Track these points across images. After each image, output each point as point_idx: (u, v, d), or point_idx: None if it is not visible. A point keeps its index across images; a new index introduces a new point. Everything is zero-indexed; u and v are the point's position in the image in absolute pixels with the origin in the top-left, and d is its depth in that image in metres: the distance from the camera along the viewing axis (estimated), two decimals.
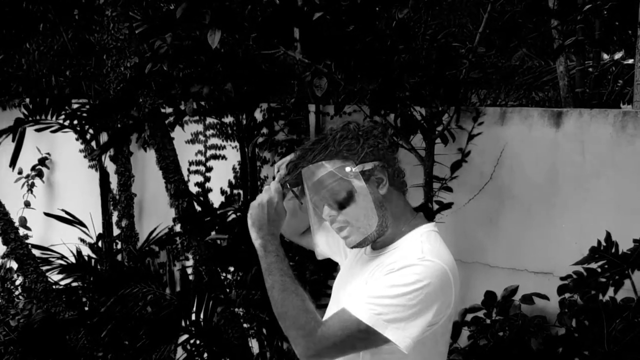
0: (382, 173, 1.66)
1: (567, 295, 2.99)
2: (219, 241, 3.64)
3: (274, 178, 1.78)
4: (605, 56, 4.30)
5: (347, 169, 1.63)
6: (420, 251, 1.59)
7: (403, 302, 1.52)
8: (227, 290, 3.87)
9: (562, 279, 3.00)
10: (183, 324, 3.89)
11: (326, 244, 1.96)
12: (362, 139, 1.65)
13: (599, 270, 2.86)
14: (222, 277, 3.89)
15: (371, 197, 1.64)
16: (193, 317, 3.87)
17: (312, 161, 1.64)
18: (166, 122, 3.66)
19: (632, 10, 3.84)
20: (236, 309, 3.79)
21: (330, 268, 2.01)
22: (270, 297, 1.63)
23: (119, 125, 4.50)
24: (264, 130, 3.48)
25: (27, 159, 5.93)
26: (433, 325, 1.57)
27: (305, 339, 1.55)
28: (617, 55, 4.36)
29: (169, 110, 3.91)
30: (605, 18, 3.74)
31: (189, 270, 4.32)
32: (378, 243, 1.72)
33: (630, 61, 4.26)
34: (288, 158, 1.76)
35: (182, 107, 3.85)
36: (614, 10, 3.56)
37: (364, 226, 1.66)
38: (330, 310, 1.72)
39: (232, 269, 3.97)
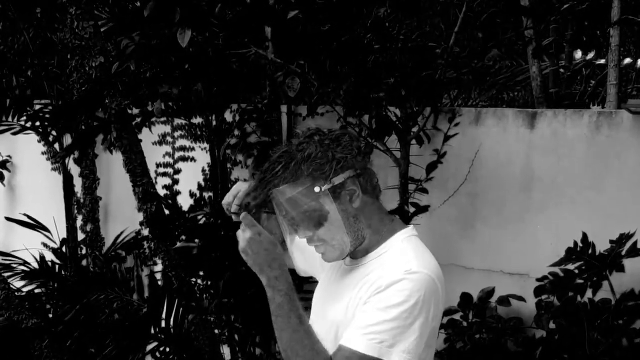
0: (353, 184, 1.60)
1: (544, 297, 2.97)
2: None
3: (229, 211, 1.70)
4: (578, 56, 4.33)
5: (317, 189, 1.57)
6: (407, 263, 1.55)
7: (400, 324, 1.49)
8: (198, 296, 3.78)
9: (538, 280, 2.98)
10: (152, 331, 3.79)
11: (303, 259, 1.91)
12: (330, 154, 1.58)
13: (577, 271, 2.85)
14: (192, 283, 3.80)
15: (344, 214, 1.60)
16: (163, 324, 3.77)
17: (280, 184, 1.58)
18: (133, 123, 3.55)
19: (602, 11, 3.85)
20: (208, 316, 3.70)
21: None
22: (278, 338, 1.58)
23: (83, 127, 4.36)
24: (236, 132, 3.39)
25: None
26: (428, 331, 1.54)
27: None
28: (590, 56, 4.40)
29: (136, 111, 3.80)
30: (576, 19, 3.75)
31: (158, 276, 4.22)
32: (358, 252, 1.67)
33: (602, 61, 4.29)
34: (234, 191, 1.69)
35: (150, 108, 3.74)
36: (585, 11, 3.56)
37: (339, 243, 1.62)
38: (315, 324, 1.66)
39: (202, 274, 3.87)
